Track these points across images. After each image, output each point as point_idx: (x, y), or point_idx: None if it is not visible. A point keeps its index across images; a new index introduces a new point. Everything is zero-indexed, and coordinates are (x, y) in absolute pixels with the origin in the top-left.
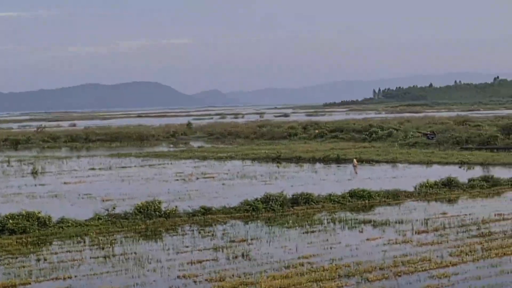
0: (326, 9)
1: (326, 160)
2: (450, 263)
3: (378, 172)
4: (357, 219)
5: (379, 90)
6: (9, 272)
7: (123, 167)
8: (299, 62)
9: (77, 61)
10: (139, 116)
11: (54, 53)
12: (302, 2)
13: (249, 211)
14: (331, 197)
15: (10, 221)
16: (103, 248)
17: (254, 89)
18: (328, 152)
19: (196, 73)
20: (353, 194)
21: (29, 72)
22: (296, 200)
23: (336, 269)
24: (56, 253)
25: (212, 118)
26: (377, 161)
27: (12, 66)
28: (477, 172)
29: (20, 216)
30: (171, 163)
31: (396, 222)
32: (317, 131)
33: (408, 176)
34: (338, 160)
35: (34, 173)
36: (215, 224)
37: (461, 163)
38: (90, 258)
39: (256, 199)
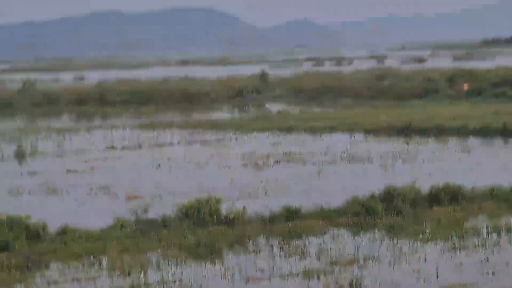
0: None
1: (485, 133)
2: None
3: None
4: None
5: None
6: None
7: (159, 145)
8: None
9: None
10: (183, 63)
11: None
12: None
13: (360, 214)
14: (494, 193)
15: None
16: (129, 275)
17: (367, 17)
18: (489, 120)
19: None
20: None
21: None
22: (436, 197)
23: None
24: (55, 283)
25: (300, 66)
26: None
27: None
28: None
29: None
30: (235, 138)
31: None
32: (466, 85)
33: None
34: (506, 133)
35: (20, 154)
36: (306, 236)
37: None
38: None
39: (372, 196)
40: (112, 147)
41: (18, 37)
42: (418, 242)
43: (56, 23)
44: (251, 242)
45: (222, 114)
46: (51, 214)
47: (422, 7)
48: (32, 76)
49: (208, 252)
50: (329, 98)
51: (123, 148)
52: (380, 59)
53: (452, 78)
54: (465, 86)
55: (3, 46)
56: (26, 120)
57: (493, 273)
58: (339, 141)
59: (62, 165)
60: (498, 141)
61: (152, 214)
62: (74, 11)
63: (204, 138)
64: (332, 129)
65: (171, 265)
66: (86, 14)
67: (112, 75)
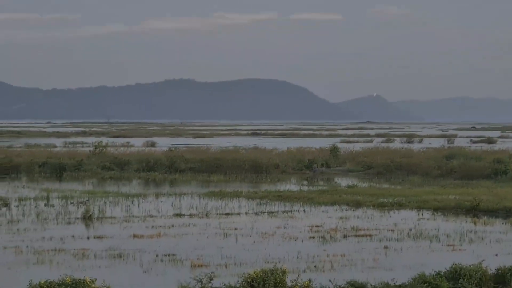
0: None
1: None
2: None
3: None
4: None
5: None
6: None
7: (226, 214)
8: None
9: (152, 40)
10: (254, 133)
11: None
12: None
13: None
14: None
15: None
16: None
17: (437, 98)
18: None
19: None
20: None
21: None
22: (502, 278)
23: None
24: None
25: (371, 141)
26: None
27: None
28: None
29: (63, 286)
30: (303, 210)
31: None
32: None
33: None
34: None
35: (87, 218)
36: None
37: None
38: None
39: (438, 274)
40: (180, 214)
41: (92, 101)
42: None
43: (129, 88)
44: None
45: (291, 186)
46: (116, 279)
47: (496, 91)
48: (104, 139)
49: None
50: (398, 175)
51: (190, 215)
52: (450, 137)
53: None
54: None
55: (77, 109)
56: (95, 184)
57: None
58: (406, 218)
59: (129, 230)
60: None
61: (217, 283)
62: (148, 79)
63: (272, 209)
64: (400, 205)
65: None
66: (160, 81)
67: (183, 142)
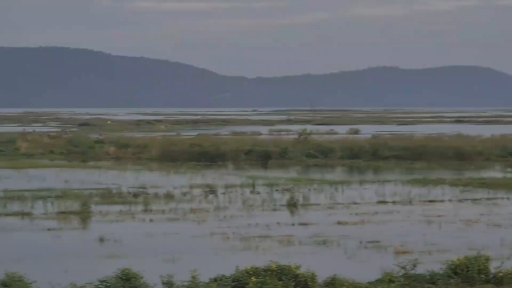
0: None
1: None
2: None
3: None
4: None
5: None
6: None
7: (430, 201)
8: None
9: (358, 28)
10: (458, 120)
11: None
12: None
13: None
14: None
15: (253, 278)
16: None
17: None
18: None
19: None
20: None
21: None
22: None
23: None
24: None
25: None
26: None
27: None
28: None
29: (268, 272)
30: (507, 198)
31: None
32: None
33: None
34: None
35: (292, 205)
36: None
37: None
38: None
39: None
40: (383, 202)
41: (296, 89)
42: None
43: (333, 75)
44: None
45: (495, 173)
46: (320, 265)
47: None
48: (308, 127)
49: None
50: None
51: (393, 202)
52: None
53: None
54: None
55: (281, 97)
56: (299, 171)
57: None
58: None
59: (333, 217)
60: None
61: (420, 270)
62: (352, 66)
63: (475, 196)
64: None
65: None
66: (364, 68)
67: (386, 129)
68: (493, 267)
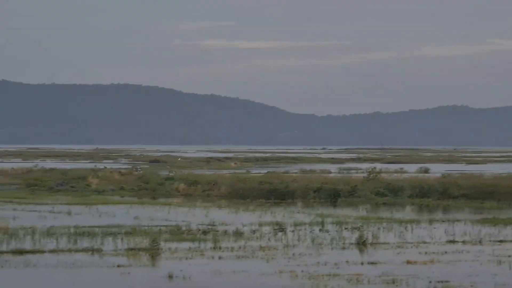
0: None
1: None
2: None
3: None
4: None
5: None
6: None
7: (500, 241)
8: None
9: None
10: None
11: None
12: None
13: None
14: None
15: None
16: None
17: None
18: None
19: None
20: None
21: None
22: None
23: None
24: None
25: None
26: None
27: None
28: None
29: None
30: None
31: None
32: None
33: None
34: None
35: (361, 243)
36: None
37: None
38: None
39: None
40: (453, 241)
41: (366, 127)
42: None
43: (403, 114)
44: None
45: None
46: None
47: None
48: (378, 165)
49: None
50: None
51: (463, 242)
52: None
53: None
54: None
55: (351, 135)
56: (368, 209)
57: None
58: None
59: (402, 256)
60: None
61: None
62: (422, 105)
63: None
64: None
65: None
66: (434, 107)
67: (456, 168)
68: None
